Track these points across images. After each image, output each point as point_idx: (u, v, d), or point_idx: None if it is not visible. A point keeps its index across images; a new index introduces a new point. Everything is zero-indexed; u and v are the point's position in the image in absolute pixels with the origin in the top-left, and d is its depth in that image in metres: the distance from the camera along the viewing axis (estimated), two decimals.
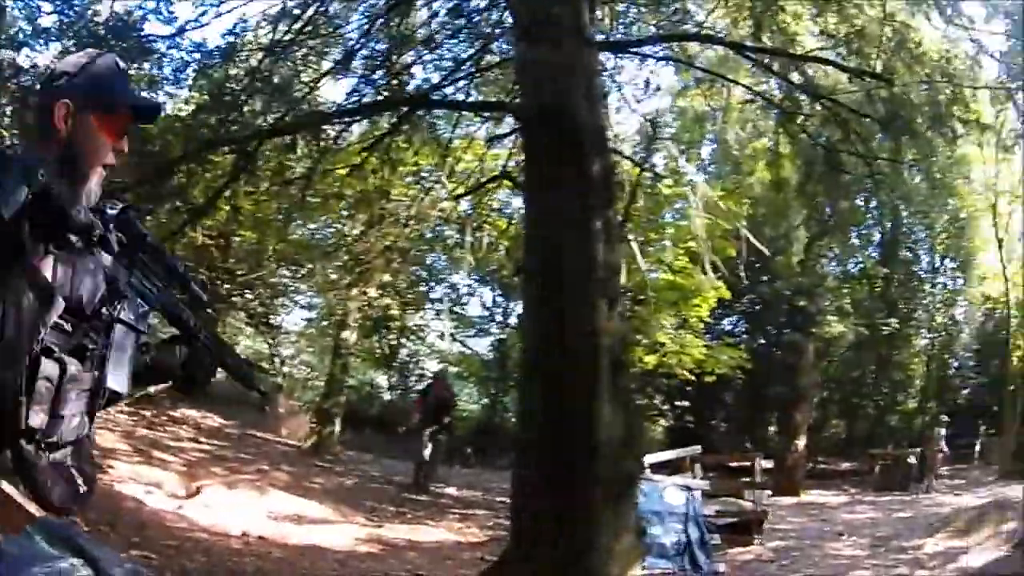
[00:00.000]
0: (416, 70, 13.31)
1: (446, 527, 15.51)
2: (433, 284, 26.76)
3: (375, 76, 12.64)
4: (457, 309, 31.65)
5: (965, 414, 38.69)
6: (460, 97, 12.68)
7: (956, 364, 43.05)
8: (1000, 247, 35.61)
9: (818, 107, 11.98)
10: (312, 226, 18.89)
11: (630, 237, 13.91)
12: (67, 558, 2.19)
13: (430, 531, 14.90)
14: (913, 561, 15.21)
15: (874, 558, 15.58)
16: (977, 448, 36.31)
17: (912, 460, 30.27)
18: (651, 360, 20.64)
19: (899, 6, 12.16)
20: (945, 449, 30.36)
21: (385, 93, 12.38)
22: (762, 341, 34.74)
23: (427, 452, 17.88)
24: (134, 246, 2.54)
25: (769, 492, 20.60)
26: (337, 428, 21.42)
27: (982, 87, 13.25)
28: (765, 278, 29.66)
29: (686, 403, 29.62)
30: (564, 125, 7.82)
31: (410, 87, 12.71)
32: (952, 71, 12.49)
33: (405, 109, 11.55)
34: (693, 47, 13.67)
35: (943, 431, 30.72)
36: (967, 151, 31.39)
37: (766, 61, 11.80)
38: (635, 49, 11.98)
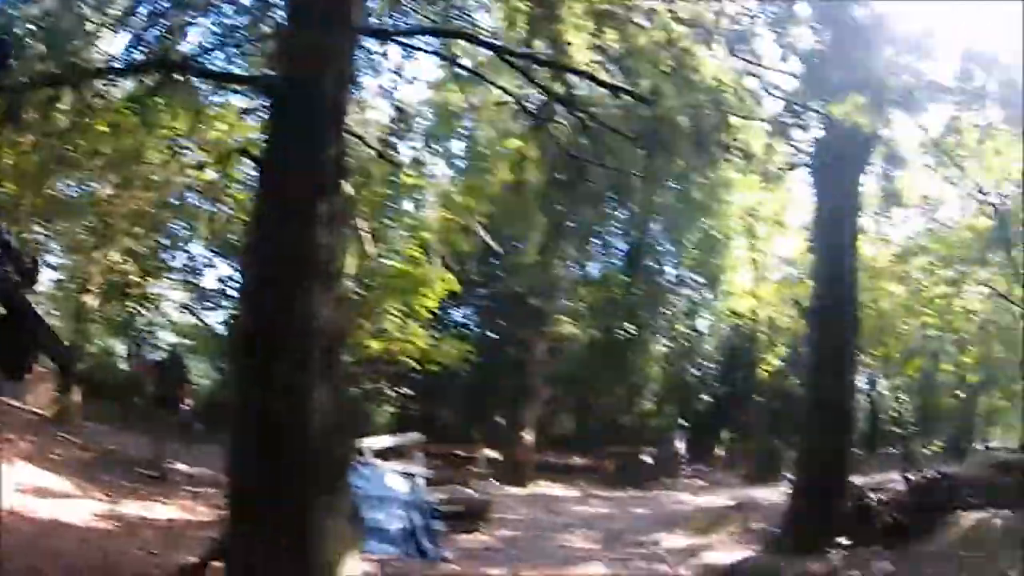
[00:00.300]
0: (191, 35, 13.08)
1: (178, 505, 15.30)
2: (173, 253, 26.03)
3: (147, 36, 12.32)
4: (193, 280, 30.96)
5: (706, 420, 40.26)
6: (225, 65, 12.44)
7: (698, 372, 44.57)
8: (755, 267, 37.02)
9: (573, 118, 12.12)
10: (69, 183, 18.13)
11: (363, 223, 13.77)
12: None
13: (163, 509, 14.74)
14: (651, 555, 15.53)
15: (608, 551, 15.90)
16: (722, 453, 37.75)
17: (647, 459, 31.26)
18: (376, 346, 20.55)
19: (685, 32, 12.36)
20: (682, 450, 31.37)
21: (154, 55, 12.05)
22: (493, 335, 35.27)
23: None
24: None
25: (496, 482, 20.85)
26: (78, 397, 20.73)
27: (752, 118, 13.55)
28: (499, 275, 30.09)
29: (411, 392, 29.68)
30: (306, 104, 7.68)
31: (182, 49, 12.42)
32: (723, 101, 12.75)
33: (164, 72, 11.19)
34: (460, 43, 13.68)
35: (681, 434, 31.70)
36: (730, 175, 32.59)
37: (530, 67, 11.83)
38: (401, 39, 11.84)
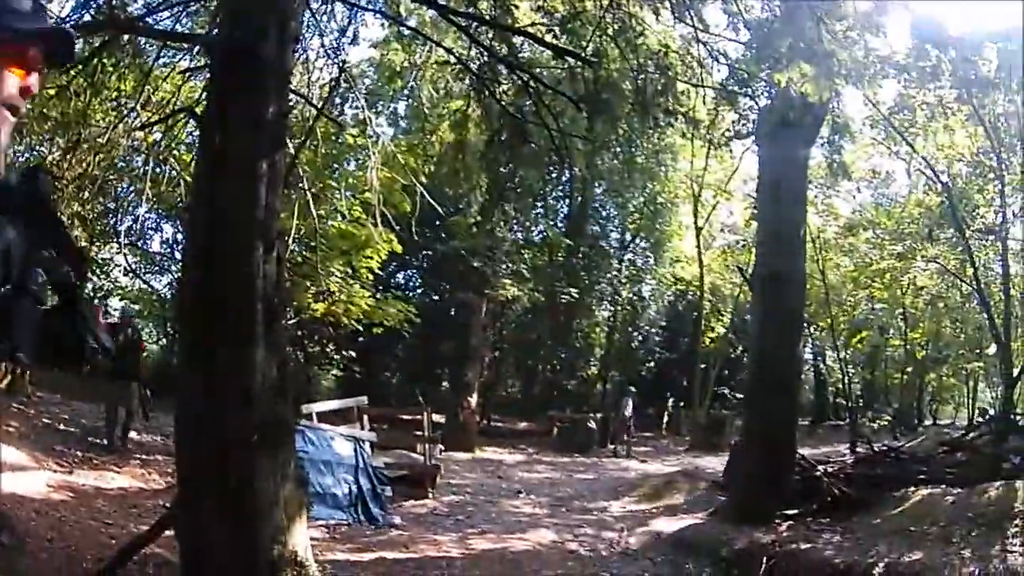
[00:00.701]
0: None
1: (130, 473, 15.23)
2: (120, 216, 25.73)
3: None
4: (140, 244, 30.68)
5: (650, 386, 40.40)
6: (171, 25, 12.28)
7: (641, 338, 44.79)
8: (698, 235, 37.25)
9: (515, 79, 12.09)
10: (17, 148, 17.85)
11: (306, 183, 13.69)
12: None
13: (115, 478, 14.61)
14: (598, 521, 15.60)
15: (555, 516, 15.95)
16: (665, 419, 37.96)
17: (592, 425, 31.39)
18: (320, 308, 20.48)
19: None
20: (631, 417, 31.47)
21: (102, 14, 11.88)
22: (435, 298, 35.33)
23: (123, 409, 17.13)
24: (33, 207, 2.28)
25: (442, 447, 20.86)
26: (24, 366, 20.46)
27: (696, 84, 13.58)
28: (442, 236, 30.04)
29: (353, 353, 29.62)
30: (248, 63, 7.59)
31: (131, 9, 12.23)
32: (668, 65, 12.75)
33: (112, 32, 11.02)
34: (406, 2, 13.60)
35: (630, 400, 31.77)
36: (676, 141, 32.64)
37: (474, 28, 11.77)
38: None
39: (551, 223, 40.82)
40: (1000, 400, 26.78)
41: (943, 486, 13.43)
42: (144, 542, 9.01)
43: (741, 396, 31.35)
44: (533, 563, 12.13)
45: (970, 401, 44.35)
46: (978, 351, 36.92)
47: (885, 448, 18.00)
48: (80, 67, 11.90)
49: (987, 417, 26.25)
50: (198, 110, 9.62)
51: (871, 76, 13.02)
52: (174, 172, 15.79)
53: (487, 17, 11.89)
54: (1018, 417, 21.67)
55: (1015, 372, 22.97)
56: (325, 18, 12.80)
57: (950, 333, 37.56)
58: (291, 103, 8.98)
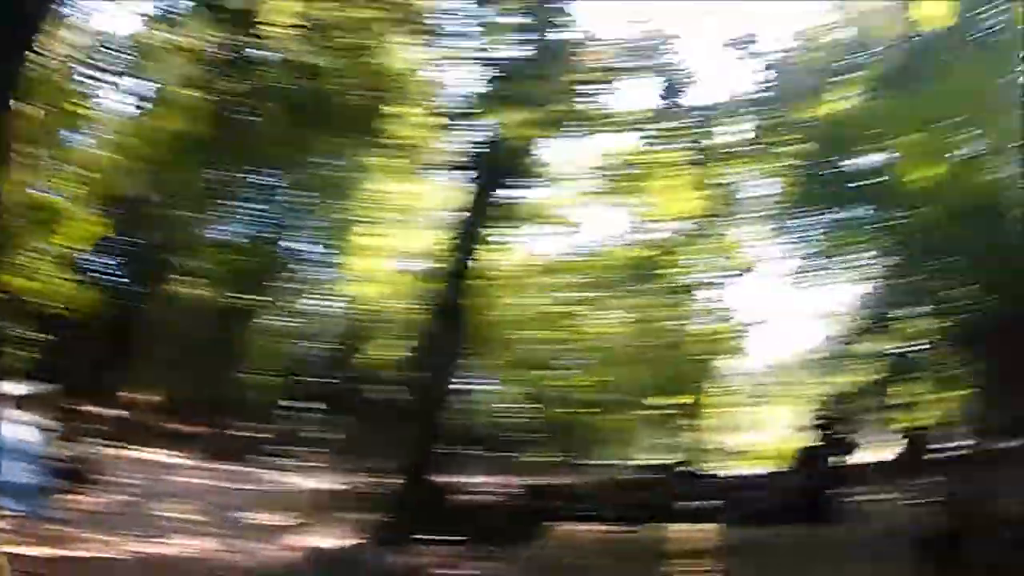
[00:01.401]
0: None
1: None
2: None
3: None
4: None
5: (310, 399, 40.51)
6: None
7: (310, 352, 44.99)
8: (378, 255, 37.66)
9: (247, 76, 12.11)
10: None
11: (27, 148, 13.27)
12: None
13: None
14: (248, 532, 15.52)
15: (212, 526, 15.68)
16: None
17: (257, 433, 31.30)
18: (16, 284, 19.76)
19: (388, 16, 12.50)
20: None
21: None
22: (134, 289, 34.66)
23: None
24: None
25: (111, 441, 20.35)
26: None
27: (420, 113, 13.86)
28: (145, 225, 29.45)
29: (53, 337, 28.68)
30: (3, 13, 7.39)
31: None
32: (399, 88, 12.99)
33: None
34: None
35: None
36: (376, 162, 32.90)
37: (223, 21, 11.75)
38: None
39: (243, 226, 40.36)
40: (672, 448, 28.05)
41: (607, 524, 14.03)
42: None
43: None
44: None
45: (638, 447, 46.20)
46: (649, 400, 38.63)
47: (546, 483, 18.58)
48: None
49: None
50: None
51: (598, 131, 13.60)
52: None
53: (239, 12, 11.86)
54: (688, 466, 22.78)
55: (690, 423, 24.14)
56: None
57: (623, 381, 38.98)
58: (34, 61, 8.73)
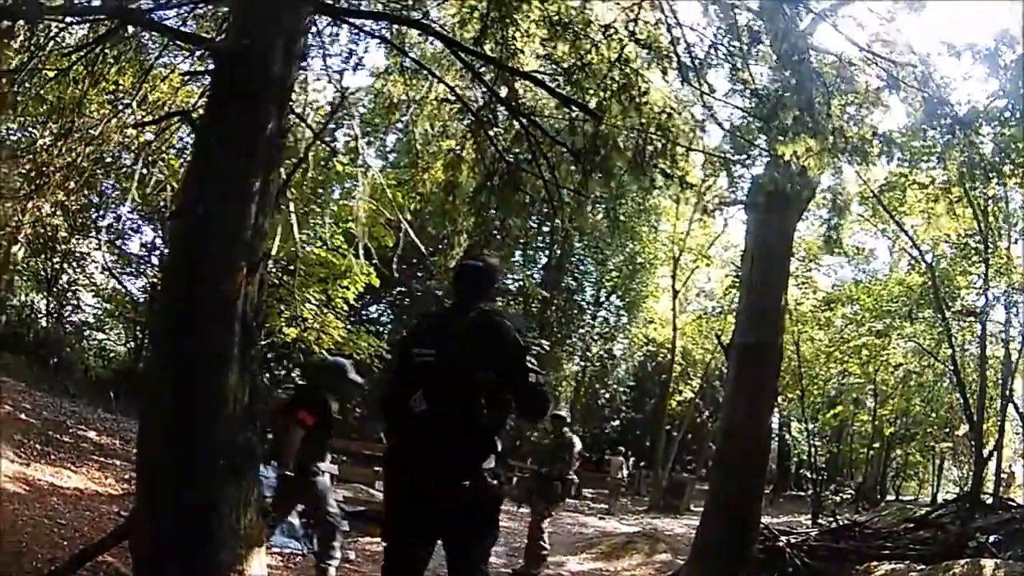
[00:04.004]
0: None
1: (86, 474, 14.89)
2: (102, 212, 25.47)
3: None
4: (119, 243, 30.55)
5: (613, 444, 40.31)
6: (178, 24, 12.17)
7: (608, 395, 44.77)
8: (675, 298, 37.30)
9: (515, 124, 12.03)
10: (11, 126, 17.60)
11: (291, 206, 13.54)
12: None
13: (71, 476, 14.27)
14: None
15: (510, 568, 15.67)
16: (625, 477, 37.93)
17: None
18: (291, 333, 20.32)
19: (639, 53, 12.28)
20: (623, 477, 31.44)
21: (110, 1, 11.78)
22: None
23: None
24: None
25: None
26: None
27: (696, 149, 13.49)
28: (419, 275, 29.89)
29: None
30: (252, 75, 7.48)
31: (133, 5, 12.11)
32: (670, 126, 12.67)
33: (119, 21, 10.90)
34: (411, 34, 13.63)
35: (621, 459, 31.74)
36: (662, 203, 32.73)
37: (478, 67, 11.70)
38: (353, 20, 11.62)
39: (528, 273, 40.78)
40: (969, 479, 26.84)
41: (907, 562, 13.32)
42: (97, 550, 8.78)
43: (702, 461, 31.25)
44: None
45: (935, 479, 44.52)
46: (947, 430, 37.09)
47: (849, 522, 17.88)
48: (82, 54, 11.81)
49: (957, 496, 26.26)
50: (194, 115, 9.50)
51: (874, 155, 12.93)
52: (162, 175, 15.60)
53: (496, 58, 11.81)
54: (986, 496, 21.65)
55: (985, 452, 23.07)
56: (330, 40, 12.71)
57: (919, 411, 37.60)
58: (289, 123, 8.84)
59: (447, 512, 5.79)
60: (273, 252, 11.68)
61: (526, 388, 5.84)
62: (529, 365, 5.83)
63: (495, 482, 5.84)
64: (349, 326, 22.88)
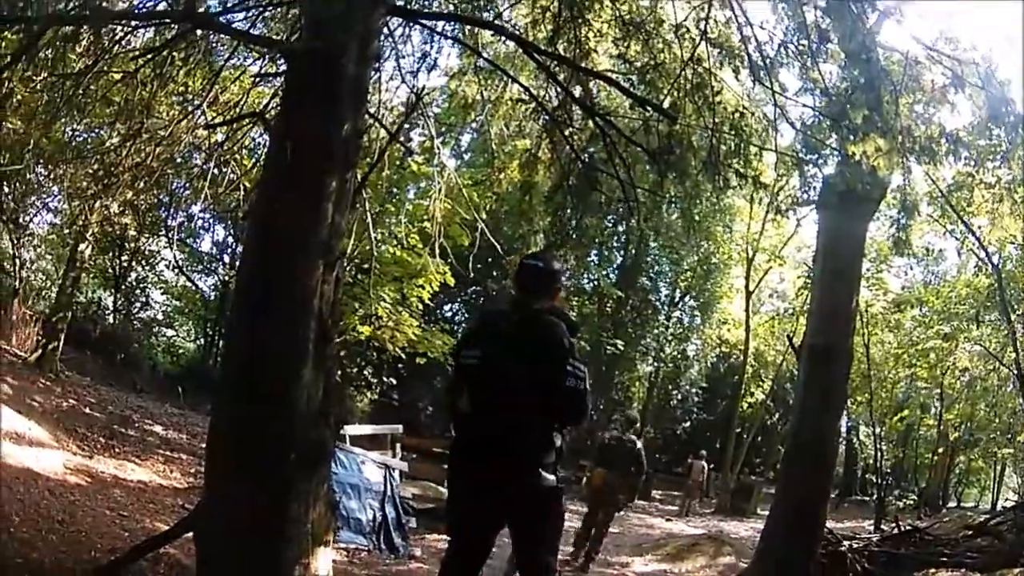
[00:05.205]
0: None
1: (151, 467, 15.13)
2: (172, 211, 25.77)
3: None
4: (189, 241, 30.96)
5: (684, 445, 40.17)
6: (246, 26, 12.24)
7: (680, 396, 44.67)
8: (748, 298, 37.08)
9: (590, 124, 12.04)
10: (77, 128, 17.83)
11: (366, 205, 13.58)
12: None
13: (135, 469, 14.49)
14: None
15: (576, 569, 15.68)
16: (704, 481, 37.73)
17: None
18: (365, 331, 20.36)
19: (711, 52, 12.27)
20: (703, 480, 31.45)
21: (177, 5, 11.91)
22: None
23: None
24: None
25: None
26: (61, 344, 20.56)
27: (768, 148, 13.46)
28: (495, 274, 29.91)
29: (394, 380, 29.57)
30: (327, 76, 7.51)
31: (200, 8, 12.21)
32: (743, 126, 12.64)
33: (186, 25, 10.98)
34: (484, 35, 13.68)
35: (703, 463, 31.75)
36: (735, 203, 32.54)
37: (552, 67, 11.71)
38: (425, 21, 11.68)
39: (604, 273, 40.70)
40: None
41: (964, 570, 13.26)
42: (161, 541, 8.87)
43: (771, 464, 31.08)
44: None
45: (996, 486, 44.03)
46: (1009, 436, 36.66)
47: (910, 528, 17.72)
48: (149, 56, 11.92)
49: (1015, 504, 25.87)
50: (268, 116, 9.56)
51: (942, 154, 12.81)
52: (234, 175, 15.72)
53: (570, 58, 11.82)
54: None
55: None
56: (402, 41, 12.76)
57: (983, 416, 37.15)
58: (364, 123, 8.86)
59: (501, 509, 5.95)
60: (349, 251, 11.76)
61: (562, 391, 5.81)
62: (570, 368, 5.83)
63: (551, 478, 5.92)
64: (424, 325, 22.91)
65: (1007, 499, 39.59)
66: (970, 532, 16.95)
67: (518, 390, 5.83)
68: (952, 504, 41.22)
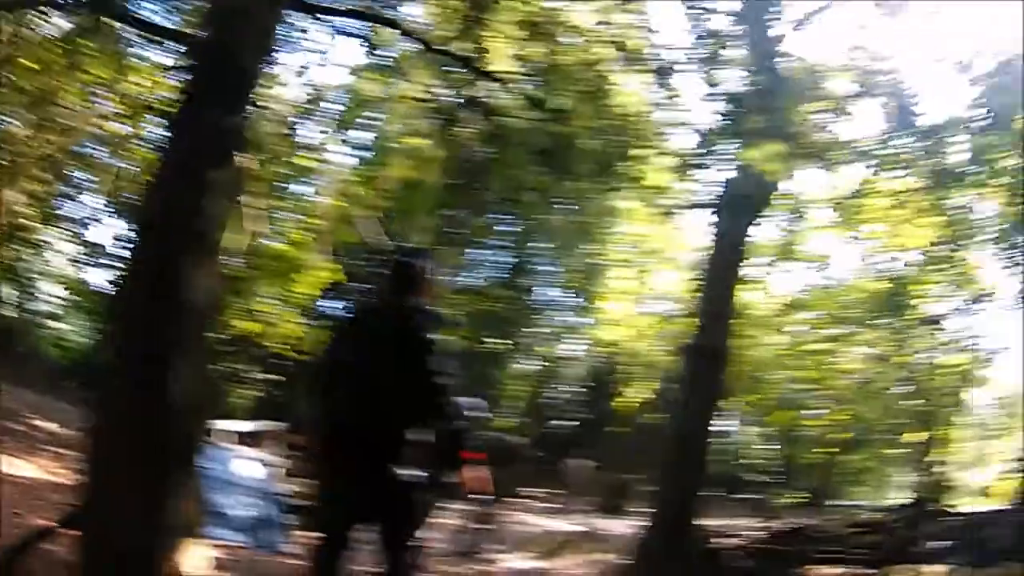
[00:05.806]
0: None
1: (38, 464, 14.80)
2: (70, 202, 25.27)
3: None
4: (85, 234, 30.38)
5: (561, 444, 40.56)
6: (154, 18, 12.19)
7: (560, 397, 45.14)
8: (631, 299, 37.46)
9: (480, 123, 12.13)
10: None
11: (255, 200, 13.52)
12: None
13: (23, 465, 14.18)
14: (485, 574, 15.44)
15: (447, 565, 15.69)
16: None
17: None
18: (246, 326, 20.19)
19: (614, 55, 12.40)
20: (582, 476, 31.72)
21: None
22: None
23: None
24: None
25: None
26: None
27: (662, 152, 13.63)
28: (379, 271, 29.94)
29: (281, 377, 29.40)
30: (222, 69, 7.51)
31: None
32: (637, 130, 12.79)
33: (98, 13, 10.89)
34: (385, 33, 13.60)
35: (582, 461, 32.04)
36: (624, 205, 32.82)
37: (449, 67, 11.79)
38: (326, 17, 11.69)
39: (490, 272, 40.86)
40: (918, 486, 27.19)
41: (852, 566, 13.51)
42: (44, 537, 8.78)
43: (652, 463, 31.52)
44: None
45: (885, 485, 45.02)
46: (897, 437, 37.48)
47: (795, 525, 18.03)
48: (61, 45, 11.78)
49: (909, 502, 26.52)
50: (167, 109, 9.54)
51: (839, 160, 13.10)
52: (136, 169, 15.52)
53: (470, 59, 11.89)
54: (933, 503, 21.92)
55: (934, 459, 23.44)
56: (300, 36, 12.75)
57: (873, 418, 37.89)
58: (254, 116, 8.87)
59: (367, 504, 5.97)
60: (232, 244, 11.69)
61: (429, 388, 5.88)
62: (437, 365, 5.93)
63: (418, 473, 5.98)
64: (311, 323, 22.76)
65: (897, 498, 40.49)
66: (859, 529, 17.28)
67: (386, 386, 5.89)
68: (842, 503, 42.03)
